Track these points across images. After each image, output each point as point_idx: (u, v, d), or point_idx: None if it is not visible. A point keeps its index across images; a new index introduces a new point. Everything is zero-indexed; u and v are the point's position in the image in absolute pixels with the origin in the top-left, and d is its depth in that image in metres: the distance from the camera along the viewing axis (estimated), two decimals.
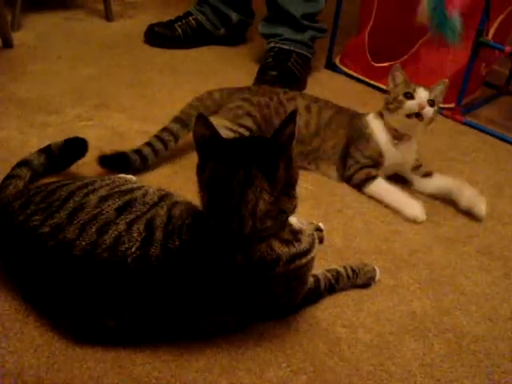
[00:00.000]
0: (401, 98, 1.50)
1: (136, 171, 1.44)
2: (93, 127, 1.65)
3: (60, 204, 0.99)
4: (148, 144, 1.49)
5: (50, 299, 0.98)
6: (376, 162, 1.54)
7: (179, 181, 1.46)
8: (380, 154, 1.54)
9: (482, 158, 1.86)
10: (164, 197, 1.04)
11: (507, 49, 1.94)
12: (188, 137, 1.55)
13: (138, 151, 1.46)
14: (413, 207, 1.47)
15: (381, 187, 1.52)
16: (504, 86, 2.42)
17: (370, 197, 1.52)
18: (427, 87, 1.52)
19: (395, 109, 1.51)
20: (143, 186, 1.07)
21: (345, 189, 1.55)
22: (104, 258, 0.92)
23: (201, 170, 0.96)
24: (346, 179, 1.57)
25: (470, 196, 1.51)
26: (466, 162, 1.82)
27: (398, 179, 1.61)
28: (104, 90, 1.88)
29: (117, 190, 1.03)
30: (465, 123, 2.07)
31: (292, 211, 0.97)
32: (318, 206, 1.45)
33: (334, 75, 2.31)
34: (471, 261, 1.36)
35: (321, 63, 2.33)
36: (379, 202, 1.51)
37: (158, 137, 1.51)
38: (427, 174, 1.59)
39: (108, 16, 2.50)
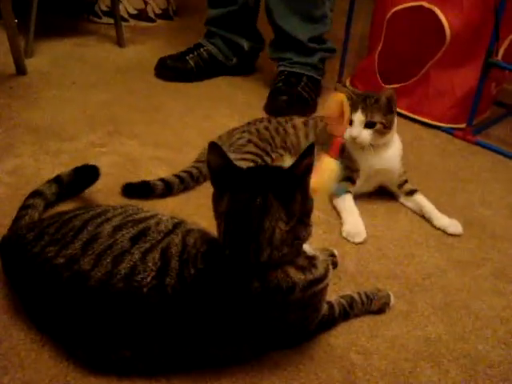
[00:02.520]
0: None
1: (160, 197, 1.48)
2: (106, 154, 1.66)
3: (74, 234, 1.00)
4: (175, 175, 1.53)
5: (66, 330, 0.98)
6: (353, 171, 1.54)
7: (192, 207, 1.47)
8: (355, 162, 1.54)
9: (495, 178, 1.85)
10: (178, 225, 1.05)
11: None
12: None
13: (162, 179, 1.50)
14: (353, 227, 1.46)
15: (345, 202, 1.52)
16: None
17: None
18: (369, 102, 1.49)
19: None
20: (156, 215, 1.08)
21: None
22: (119, 288, 0.93)
23: (217, 199, 0.97)
24: None
25: (440, 221, 1.53)
26: (478, 182, 1.81)
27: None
28: (117, 117, 1.90)
29: (130, 218, 1.04)
30: (476, 143, 2.06)
31: (307, 239, 0.98)
32: (330, 231, 1.46)
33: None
34: (485, 284, 1.35)
35: (331, 85, 2.33)
36: (389, 226, 1.52)
37: (183, 171, 1.55)
38: (410, 193, 1.59)
39: (120, 42, 2.54)
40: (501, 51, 2.01)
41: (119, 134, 1.79)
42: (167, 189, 1.49)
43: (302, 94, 2.09)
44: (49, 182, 1.36)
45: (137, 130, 1.82)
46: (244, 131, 1.65)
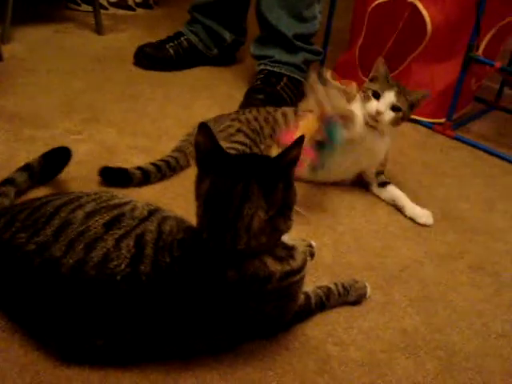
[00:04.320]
0: (369, 93, 1.51)
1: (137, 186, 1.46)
2: (82, 142, 1.63)
3: (46, 221, 0.97)
4: (152, 163, 1.50)
5: (37, 318, 0.96)
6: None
7: (168, 197, 1.44)
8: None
9: (473, 173, 1.86)
10: (153, 211, 1.03)
11: (497, 64, 1.95)
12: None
13: (140, 168, 1.47)
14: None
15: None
16: (495, 101, 2.43)
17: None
18: (402, 90, 1.51)
19: (363, 101, 1.52)
20: (131, 201, 1.06)
21: (335, 204, 1.54)
22: (92, 276, 0.90)
23: (199, 180, 0.95)
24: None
25: (411, 211, 1.54)
26: (457, 176, 1.82)
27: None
28: (94, 104, 1.87)
29: (104, 204, 1.02)
30: (455, 138, 2.07)
31: (286, 231, 0.97)
32: (308, 221, 1.44)
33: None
34: (463, 277, 1.36)
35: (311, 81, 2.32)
36: (367, 218, 1.51)
37: (161, 160, 1.52)
38: (383, 184, 1.60)
39: (98, 30, 2.50)
40: (482, 46, 2.02)
41: (96, 121, 1.76)
42: (145, 178, 1.47)
43: (282, 93, 2.02)
44: (19, 169, 1.33)
45: (114, 118, 1.79)
46: (234, 119, 1.61)
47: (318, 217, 1.48)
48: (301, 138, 0.93)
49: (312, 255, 1.29)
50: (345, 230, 1.44)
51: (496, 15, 2.03)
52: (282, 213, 0.93)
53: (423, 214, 1.53)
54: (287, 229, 0.96)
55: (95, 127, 1.72)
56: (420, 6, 1.98)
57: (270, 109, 1.65)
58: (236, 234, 0.90)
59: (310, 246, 1.30)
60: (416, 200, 1.57)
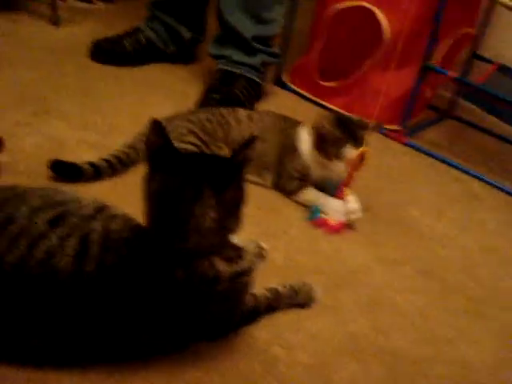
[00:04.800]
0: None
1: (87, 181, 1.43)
2: (31, 134, 1.58)
3: None
4: (104, 159, 1.47)
5: None
6: (304, 175, 1.55)
7: (118, 193, 1.41)
8: (307, 168, 1.54)
9: (424, 180, 1.89)
10: (100, 209, 1.00)
11: (451, 74, 1.98)
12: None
13: (91, 163, 1.44)
14: (338, 208, 1.49)
15: (311, 194, 1.54)
16: (448, 110, 2.48)
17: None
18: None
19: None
20: (78, 198, 1.03)
21: (290, 207, 1.54)
22: (34, 274, 0.87)
23: (149, 179, 0.93)
24: (278, 187, 1.58)
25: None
26: (408, 182, 1.84)
27: None
28: (45, 97, 1.81)
29: (50, 201, 0.99)
30: (407, 144, 2.10)
31: (236, 231, 0.95)
32: (260, 223, 1.43)
33: (283, 93, 2.30)
34: (409, 281, 1.37)
35: (270, 80, 2.31)
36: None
37: (113, 155, 1.49)
38: None
39: (54, 21, 2.44)
40: (437, 56, 2.05)
41: (46, 114, 1.71)
42: (96, 173, 1.43)
43: (238, 94, 2.00)
44: None
45: (65, 112, 1.74)
46: (186, 120, 1.58)
47: (270, 219, 1.47)
48: (253, 138, 0.92)
49: (262, 257, 1.28)
50: (298, 234, 1.44)
51: (453, 26, 2.07)
52: (231, 212, 0.92)
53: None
54: (236, 228, 0.95)
55: (45, 120, 1.67)
56: (378, 13, 2.00)
57: (224, 111, 1.62)
58: (186, 233, 0.89)
59: (261, 247, 1.29)
60: (367, 205, 1.58)
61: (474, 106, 2.20)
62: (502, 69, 2.28)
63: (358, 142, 1.48)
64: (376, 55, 2.07)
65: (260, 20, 2.02)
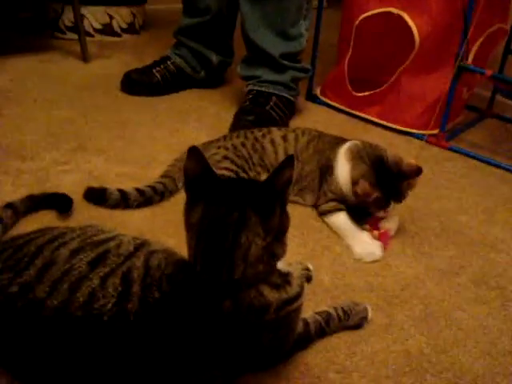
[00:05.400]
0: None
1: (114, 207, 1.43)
2: (69, 172, 1.59)
3: (29, 260, 0.93)
4: (136, 188, 1.47)
5: (19, 363, 0.91)
6: (340, 197, 1.49)
7: (159, 223, 1.40)
8: (342, 192, 1.48)
9: (470, 183, 1.83)
10: (140, 246, 0.98)
11: (488, 72, 1.92)
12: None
13: (120, 189, 1.45)
14: (365, 249, 1.39)
15: (340, 221, 1.47)
16: (487, 109, 2.41)
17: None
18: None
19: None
20: (117, 236, 1.02)
21: None
22: (78, 317, 0.86)
23: (190, 208, 0.91)
24: (317, 207, 1.54)
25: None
26: (454, 188, 1.78)
27: None
28: (81, 133, 1.83)
29: (89, 241, 0.98)
30: (449, 149, 2.04)
31: (282, 256, 0.92)
32: (304, 244, 1.40)
33: (316, 107, 2.28)
34: (466, 292, 1.31)
35: (301, 95, 2.29)
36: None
37: (147, 186, 1.49)
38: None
39: (84, 57, 2.48)
40: (471, 55, 1.99)
41: (83, 150, 1.72)
42: (123, 200, 1.43)
43: (271, 113, 1.98)
44: (4, 207, 1.30)
45: (102, 146, 1.76)
46: (220, 146, 1.56)
47: (313, 238, 1.44)
48: (290, 159, 0.89)
49: (309, 279, 1.25)
50: (342, 251, 1.40)
51: (484, 22, 2.01)
52: (278, 238, 0.89)
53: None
54: (283, 254, 0.92)
55: (83, 156, 1.69)
56: (406, 18, 1.97)
57: (258, 134, 1.59)
58: (233, 264, 0.86)
59: (307, 269, 1.26)
60: (413, 214, 1.54)
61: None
62: None
63: (400, 195, 1.42)
64: (408, 60, 2.03)
65: (286, 37, 2.01)
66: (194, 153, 0.89)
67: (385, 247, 1.40)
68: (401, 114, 2.12)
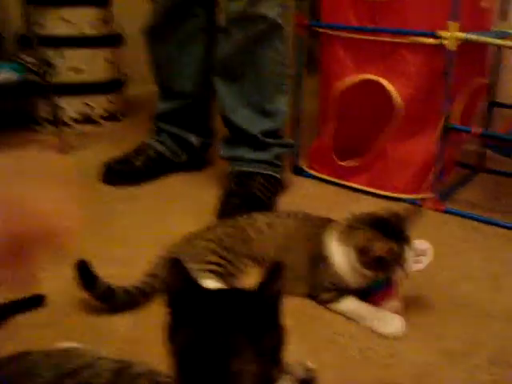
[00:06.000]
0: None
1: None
2: (51, 279, 1.49)
3: None
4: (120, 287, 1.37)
5: None
6: (339, 286, 1.38)
7: (143, 327, 1.30)
8: (342, 280, 1.38)
9: (472, 247, 1.74)
10: (121, 371, 0.88)
11: (475, 130, 1.88)
12: None
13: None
14: (389, 322, 1.32)
15: (352, 305, 1.37)
16: (479, 164, 2.36)
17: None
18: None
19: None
20: (96, 361, 0.91)
21: (331, 311, 1.40)
22: None
23: (172, 331, 0.80)
24: (314, 297, 1.43)
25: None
26: (457, 254, 1.69)
27: None
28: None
29: (63, 371, 0.87)
30: (446, 211, 1.96)
31: (280, 377, 0.81)
32: (304, 338, 1.29)
33: (303, 180, 2.22)
34: (484, 375, 1.20)
35: (287, 169, 2.22)
36: None
37: (133, 286, 1.39)
38: None
39: (62, 149, 2.42)
40: (456, 113, 1.95)
41: (63, 255, 1.63)
42: (109, 295, 1.34)
43: (257, 194, 1.90)
44: None
45: (86, 248, 1.66)
46: (205, 238, 1.46)
47: (313, 329, 1.33)
48: (278, 266, 0.80)
49: (311, 381, 1.13)
50: (347, 342, 1.29)
51: (465, 79, 1.98)
52: (273, 359, 0.78)
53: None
54: (280, 375, 0.81)
55: (63, 261, 1.59)
56: (386, 84, 1.93)
57: (244, 223, 1.49)
58: None
59: (309, 369, 1.15)
60: (417, 290, 1.44)
61: (503, 157, 2.08)
62: None
63: (408, 240, 1.35)
64: (391, 125, 1.98)
65: (265, 114, 1.96)
66: (175, 265, 0.80)
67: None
68: (390, 180, 2.05)
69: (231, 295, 0.85)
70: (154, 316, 1.33)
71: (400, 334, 1.31)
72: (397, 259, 1.32)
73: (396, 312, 1.35)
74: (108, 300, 1.34)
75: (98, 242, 1.69)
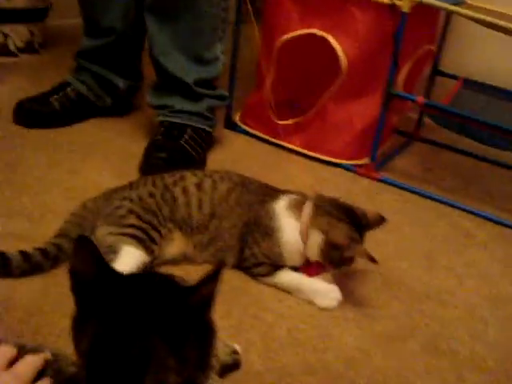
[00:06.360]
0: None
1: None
2: None
3: None
4: (21, 251, 1.20)
5: None
6: (275, 262, 1.29)
7: (51, 299, 1.15)
8: (281, 256, 1.28)
9: (407, 221, 1.68)
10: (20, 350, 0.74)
11: (420, 99, 1.79)
12: None
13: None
14: (325, 294, 1.26)
15: (287, 278, 1.29)
16: (415, 132, 2.30)
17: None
18: None
19: None
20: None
21: (260, 285, 1.30)
22: None
23: (78, 327, 0.67)
24: (244, 269, 1.32)
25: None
26: (390, 228, 1.60)
27: None
28: None
29: None
30: (381, 180, 1.89)
31: (206, 382, 0.70)
32: (228, 314, 1.19)
33: (235, 135, 2.07)
34: (417, 362, 1.15)
35: (220, 123, 2.07)
36: (299, 300, 1.27)
37: (37, 248, 1.22)
38: None
39: None
40: (400, 80, 1.86)
41: None
42: (3, 266, 1.17)
43: (186, 148, 1.75)
44: None
45: None
46: (124, 198, 1.30)
47: (239, 303, 1.22)
48: (218, 269, 0.67)
49: (237, 365, 1.03)
50: (274, 319, 1.19)
51: (413, 45, 1.88)
52: (199, 366, 0.66)
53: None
54: (207, 380, 0.69)
55: None
56: (331, 41, 1.80)
57: (169, 181, 1.34)
58: None
59: (235, 352, 1.04)
60: (350, 268, 1.36)
61: (442, 127, 2.02)
62: (467, 83, 2.11)
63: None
64: (334, 86, 1.86)
65: (200, 61, 1.79)
66: (83, 246, 0.66)
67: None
68: (326, 143, 1.95)
69: (153, 286, 0.70)
70: (66, 283, 1.18)
71: (336, 306, 1.25)
72: (351, 261, 1.29)
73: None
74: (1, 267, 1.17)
75: (3, 192, 1.50)
